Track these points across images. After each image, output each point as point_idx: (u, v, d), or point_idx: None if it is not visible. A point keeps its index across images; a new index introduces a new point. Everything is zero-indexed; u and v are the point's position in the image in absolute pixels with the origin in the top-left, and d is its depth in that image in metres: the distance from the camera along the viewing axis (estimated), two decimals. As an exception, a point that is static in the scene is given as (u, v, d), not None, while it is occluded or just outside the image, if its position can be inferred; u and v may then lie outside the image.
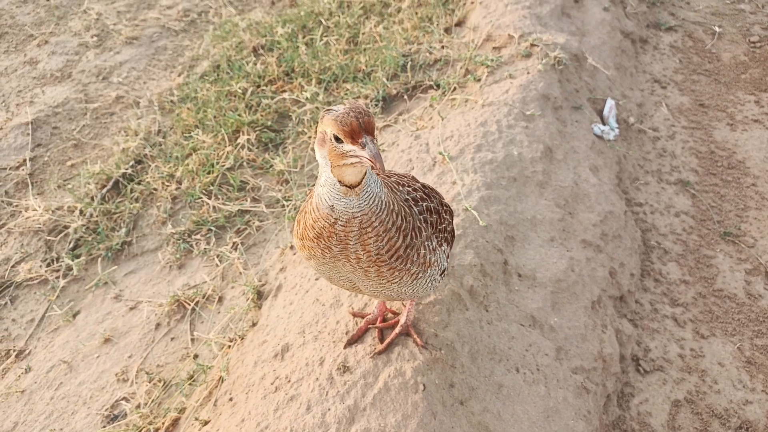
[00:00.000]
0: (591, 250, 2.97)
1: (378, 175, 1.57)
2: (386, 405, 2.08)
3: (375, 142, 1.52)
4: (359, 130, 1.50)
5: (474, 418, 2.18)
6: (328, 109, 1.58)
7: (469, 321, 2.42)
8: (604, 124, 3.88)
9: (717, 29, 4.99)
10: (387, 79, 4.16)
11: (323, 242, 1.74)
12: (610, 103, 3.98)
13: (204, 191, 3.79)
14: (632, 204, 3.59)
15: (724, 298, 3.11)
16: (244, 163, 3.95)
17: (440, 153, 3.17)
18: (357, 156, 1.51)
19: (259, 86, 4.55)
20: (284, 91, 4.47)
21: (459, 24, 4.63)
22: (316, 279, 2.77)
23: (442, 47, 4.32)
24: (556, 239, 2.92)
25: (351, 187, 1.62)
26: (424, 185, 2.06)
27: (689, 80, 4.55)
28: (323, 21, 5.05)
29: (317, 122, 4.07)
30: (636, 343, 2.89)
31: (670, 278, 3.21)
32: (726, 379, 2.78)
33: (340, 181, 1.61)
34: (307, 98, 4.25)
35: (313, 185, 1.93)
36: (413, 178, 2.08)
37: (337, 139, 1.53)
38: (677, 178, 3.77)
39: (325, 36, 4.79)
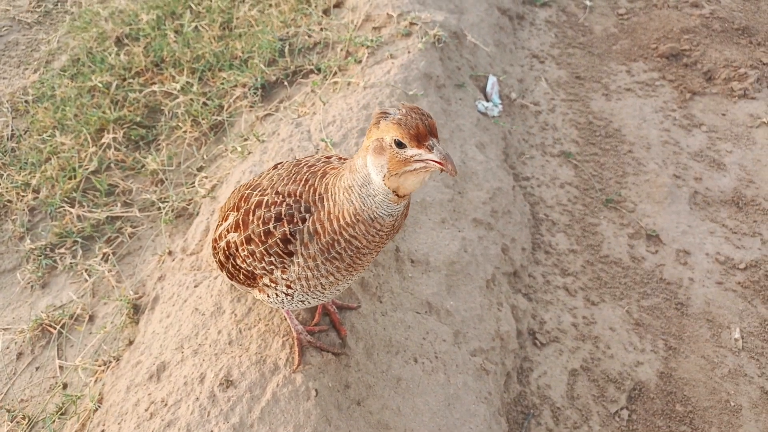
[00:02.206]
0: (482, 228, 2.94)
1: (450, 175, 1.41)
2: (276, 418, 1.91)
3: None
4: (425, 132, 1.40)
5: (372, 417, 2.06)
6: (383, 113, 1.45)
7: (361, 315, 2.29)
8: (487, 100, 3.88)
9: (588, 3, 5.17)
10: (265, 65, 3.92)
11: (354, 255, 1.62)
12: (492, 79, 3.99)
13: (66, 199, 3.39)
14: (520, 178, 3.62)
15: (610, 264, 3.21)
16: (112, 165, 3.57)
17: (322, 140, 3.00)
18: (423, 160, 1.40)
19: (125, 79, 4.14)
20: (154, 83, 4.11)
21: (338, 5, 4.45)
22: (195, 286, 2.53)
23: (322, 29, 4.13)
24: (447, 220, 2.86)
25: (403, 196, 1.51)
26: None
27: (565, 54, 4.68)
28: (193, 6, 4.69)
29: (195, 116, 3.79)
30: (531, 317, 2.91)
31: (560, 249, 3.26)
32: (618, 343, 2.86)
33: (394, 191, 1.49)
34: (179, 89, 3.92)
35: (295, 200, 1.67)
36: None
37: (399, 145, 1.41)
38: (560, 150, 3.85)
39: (196, 22, 4.44)
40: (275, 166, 1.89)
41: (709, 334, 2.91)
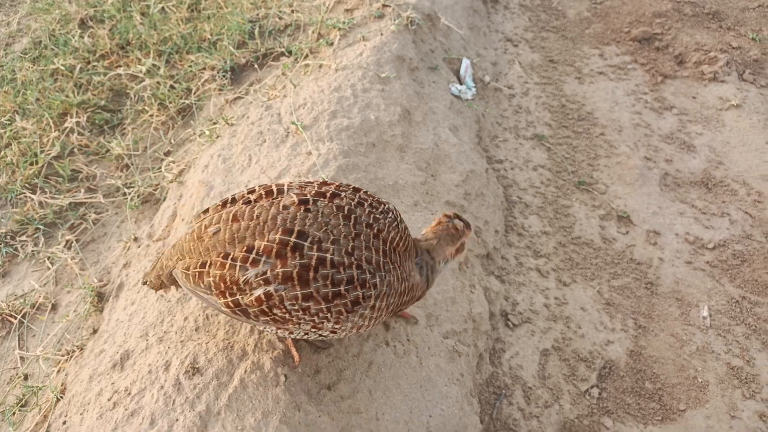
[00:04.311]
0: (455, 210, 2.92)
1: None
2: (243, 404, 1.88)
3: None
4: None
5: (343, 402, 2.04)
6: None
7: (332, 299, 2.26)
8: (461, 83, 3.85)
9: (561, -13, 5.16)
10: (234, 48, 3.83)
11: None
12: (465, 62, 3.96)
13: (27, 185, 3.28)
14: (493, 161, 3.60)
15: (582, 245, 3.22)
16: (75, 150, 3.47)
17: (293, 123, 2.94)
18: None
19: (89, 62, 4.02)
20: (119, 66, 3.99)
21: (309, -14, 4.37)
22: (162, 272, 2.47)
23: (293, 11, 4.05)
24: (420, 203, 2.84)
25: None
26: None
27: (539, 37, 4.66)
28: (161, -13, 4.55)
29: (162, 100, 3.69)
30: (504, 299, 2.91)
31: (532, 231, 3.26)
32: (588, 323, 2.88)
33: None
34: (145, 72, 3.82)
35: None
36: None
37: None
38: (533, 132, 3.85)
39: (163, 3, 4.32)
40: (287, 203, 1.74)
41: (678, 312, 2.94)
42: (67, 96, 3.68)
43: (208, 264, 1.71)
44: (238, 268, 1.66)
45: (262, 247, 1.64)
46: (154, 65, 3.88)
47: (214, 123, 3.37)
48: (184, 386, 1.91)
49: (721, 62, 4.33)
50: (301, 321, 1.71)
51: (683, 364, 2.75)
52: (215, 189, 2.72)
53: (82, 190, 3.26)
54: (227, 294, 1.70)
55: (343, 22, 3.70)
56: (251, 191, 1.81)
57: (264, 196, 1.77)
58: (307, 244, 1.64)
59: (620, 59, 4.44)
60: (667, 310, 2.95)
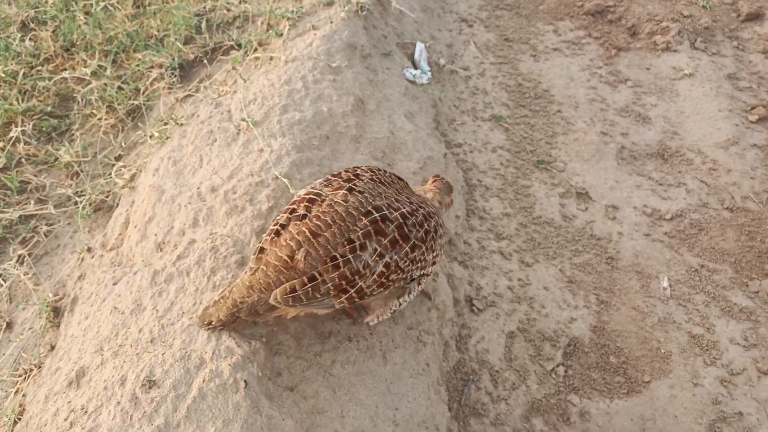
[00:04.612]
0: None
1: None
2: (203, 414, 1.85)
3: None
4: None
5: (306, 402, 2.02)
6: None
7: (290, 299, 2.23)
8: (415, 68, 3.81)
9: (513, -37, 5.12)
10: (182, 44, 3.72)
11: None
12: (419, 46, 3.92)
13: (-28, 200, 3.16)
14: (452, 145, 3.59)
15: (543, 224, 3.24)
16: (23, 160, 3.35)
17: (243, 120, 2.88)
18: None
19: (33, 67, 3.86)
20: (64, 69, 3.85)
21: (257, -25, 4.26)
22: (114, 284, 2.41)
23: (241, 2, 3.95)
24: (377, 194, 2.81)
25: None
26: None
27: (493, 16, 4.64)
28: (103, -17, 4.39)
29: (110, 102, 3.57)
30: (468, 284, 2.91)
31: (494, 213, 3.27)
32: (552, 302, 2.90)
33: None
34: (91, 74, 3.69)
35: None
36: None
37: None
38: (491, 114, 3.84)
39: (107, 1, 4.16)
40: (350, 189, 1.99)
41: (638, 285, 2.99)
42: (11, 104, 3.54)
43: (317, 276, 1.86)
44: (352, 260, 1.86)
45: (360, 234, 1.87)
46: (100, 66, 3.76)
47: (165, 123, 3.28)
48: (141, 400, 1.87)
49: (673, 32, 4.36)
50: (413, 271, 2.02)
51: (646, 336, 2.80)
52: (167, 193, 2.66)
53: (32, 202, 3.15)
54: (349, 287, 1.88)
55: (292, 12, 3.62)
56: (293, 210, 1.97)
57: (311, 205, 1.95)
58: (386, 212, 1.92)
59: (574, 34, 4.44)
60: (628, 283, 2.99)
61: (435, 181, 2.40)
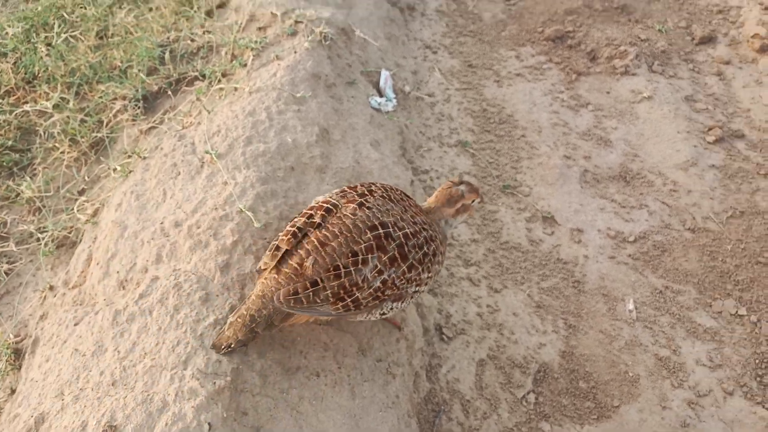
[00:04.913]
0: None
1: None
2: (165, 460, 1.79)
3: None
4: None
5: (273, 442, 1.98)
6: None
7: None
8: (381, 96, 3.84)
9: (476, -9, 5.23)
10: (146, 75, 3.69)
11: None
12: (384, 74, 3.96)
13: (-73, 239, 3.06)
14: (419, 172, 3.61)
15: (510, 249, 3.27)
16: (-19, 196, 3.27)
17: (207, 152, 2.86)
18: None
19: (-8, 100, 3.79)
20: (26, 102, 3.78)
21: (221, 5, 4.26)
22: (75, 324, 2.35)
23: (205, 32, 3.94)
24: (343, 225, 2.80)
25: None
26: None
27: (457, 43, 4.72)
28: (66, 15, 4.35)
29: (72, 135, 3.51)
30: (438, 312, 2.91)
31: (462, 239, 3.29)
32: (521, 328, 2.92)
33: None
34: (53, 107, 3.63)
35: None
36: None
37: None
38: (457, 139, 3.88)
39: (69, 32, 4.12)
40: (361, 204, 2.10)
41: (605, 308, 3.02)
42: (-32, 138, 3.47)
43: (319, 282, 1.98)
44: (353, 272, 1.98)
45: (363, 248, 1.99)
46: (62, 98, 3.70)
47: (129, 156, 3.24)
48: (101, 449, 1.81)
49: (631, 55, 4.49)
50: (407, 289, 2.12)
51: (614, 360, 2.82)
52: (129, 228, 2.61)
53: (-10, 240, 3.07)
54: (346, 297, 1.99)
55: (256, 42, 3.63)
56: (310, 216, 2.09)
57: (327, 215, 2.08)
58: (391, 230, 2.03)
59: (536, 60, 4.54)
60: (595, 306, 3.03)
61: (442, 189, 2.39)
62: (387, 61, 4.18)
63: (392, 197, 2.17)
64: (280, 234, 2.12)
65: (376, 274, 2.01)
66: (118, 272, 2.48)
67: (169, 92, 3.61)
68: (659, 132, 3.98)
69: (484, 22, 4.95)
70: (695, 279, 3.16)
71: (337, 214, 2.06)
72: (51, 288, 2.80)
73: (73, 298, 2.60)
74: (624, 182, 3.67)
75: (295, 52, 3.51)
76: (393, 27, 4.58)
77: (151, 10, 4.34)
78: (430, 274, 2.19)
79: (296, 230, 2.06)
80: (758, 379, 2.78)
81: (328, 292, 1.98)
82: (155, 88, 3.66)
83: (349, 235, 2.00)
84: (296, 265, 2.01)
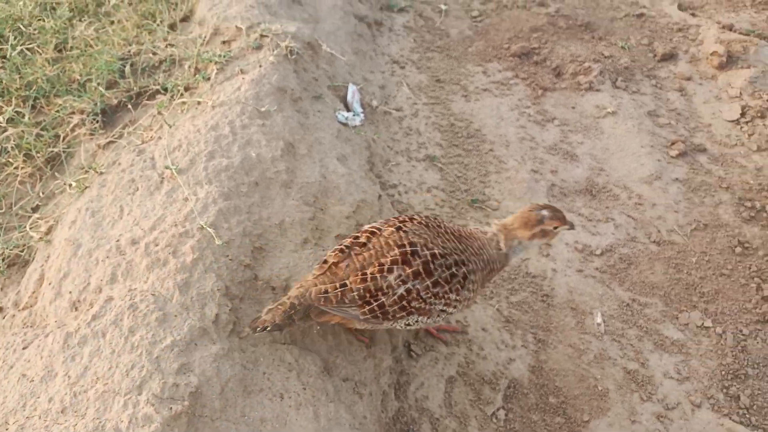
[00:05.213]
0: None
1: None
2: (116, 492, 1.69)
3: None
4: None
5: (233, 469, 1.89)
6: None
7: (217, 356, 2.11)
8: (348, 110, 3.81)
9: (443, 7, 5.27)
10: (105, 88, 3.59)
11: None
12: (352, 88, 3.93)
13: None
14: (387, 186, 3.58)
15: (479, 264, 3.24)
16: (-73, 214, 3.10)
17: (167, 167, 2.77)
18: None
19: (-58, 114, 3.63)
20: (-22, 116, 3.63)
21: (185, 19, 4.19)
22: (24, 348, 2.22)
23: (167, 46, 3.86)
24: (309, 240, 2.74)
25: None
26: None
27: (425, 58, 4.73)
28: (23, 27, 4.22)
29: (27, 150, 3.37)
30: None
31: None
32: (490, 343, 2.88)
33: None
34: (7, 121, 3.49)
35: None
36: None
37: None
38: (425, 154, 3.86)
39: (27, 44, 3.99)
40: (399, 228, 2.31)
41: (574, 322, 3.01)
42: None
43: (347, 283, 2.18)
44: (378, 278, 2.18)
45: (390, 260, 2.19)
46: (17, 112, 3.56)
47: (85, 172, 3.12)
48: (46, 482, 1.70)
49: (595, 72, 4.56)
50: (434, 305, 2.26)
51: (583, 374, 2.80)
52: (83, 247, 2.50)
53: (-66, 260, 2.91)
54: (371, 301, 2.18)
55: (220, 56, 3.57)
56: (357, 237, 2.32)
57: (371, 236, 2.29)
58: (419, 249, 2.22)
59: (502, 75, 4.57)
60: (564, 320, 3.01)
61: (520, 212, 2.44)
62: (354, 76, 4.16)
63: (429, 225, 2.35)
64: (329, 251, 2.36)
65: (400, 282, 2.19)
66: (70, 293, 2.36)
67: (130, 106, 3.52)
68: (624, 146, 4.03)
69: (452, 38, 4.98)
70: (661, 291, 3.17)
71: (378, 236, 2.29)
72: (0, 309, 2.66)
73: (23, 319, 2.47)
74: (590, 196, 3.70)
75: (260, 66, 3.45)
76: (361, 42, 4.56)
77: (112, 23, 4.25)
78: (458, 297, 2.30)
79: (344, 247, 2.29)
80: (724, 390, 2.79)
81: (355, 294, 2.17)
82: (115, 101, 3.55)
83: (380, 250, 2.23)
84: (334, 267, 2.26)
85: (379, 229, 2.32)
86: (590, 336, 2.96)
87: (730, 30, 5.01)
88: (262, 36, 3.69)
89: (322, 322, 2.31)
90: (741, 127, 4.26)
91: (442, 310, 2.31)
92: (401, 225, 2.31)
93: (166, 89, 3.51)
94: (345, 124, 3.64)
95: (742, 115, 4.33)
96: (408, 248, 2.22)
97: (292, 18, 4.11)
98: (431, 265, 2.21)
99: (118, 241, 2.43)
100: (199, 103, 3.29)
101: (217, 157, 2.81)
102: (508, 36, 4.93)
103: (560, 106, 4.36)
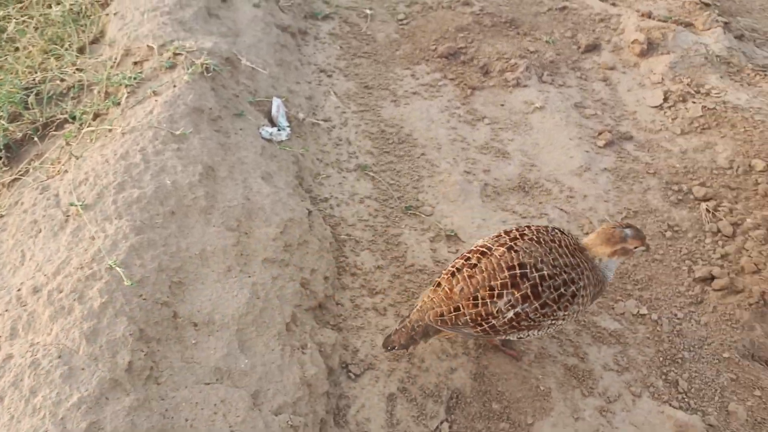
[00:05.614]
0: (276, 267, 2.75)
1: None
2: None
3: None
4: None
5: None
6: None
7: (131, 408, 1.97)
8: (273, 125, 3.69)
9: (368, 11, 5.20)
10: (8, 122, 3.37)
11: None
12: (276, 102, 3.82)
13: None
14: (318, 200, 3.48)
15: (416, 273, 3.18)
16: None
17: (72, 204, 2.60)
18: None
19: None
20: None
21: (95, 41, 3.99)
22: None
23: (76, 71, 3.66)
24: (233, 268, 2.62)
25: None
26: None
27: (352, 65, 4.65)
28: None
29: None
30: (343, 348, 2.77)
31: (366, 268, 3.17)
32: (431, 354, 2.82)
33: None
34: None
35: None
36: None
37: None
38: (356, 163, 3.78)
39: None
40: (508, 245, 2.40)
41: (513, 324, 2.98)
42: None
43: (460, 308, 2.38)
44: (489, 303, 2.34)
45: (499, 284, 2.32)
46: None
47: (-11, 214, 2.91)
48: None
49: (522, 68, 4.57)
50: (542, 322, 2.39)
51: (524, 376, 2.78)
52: (-17, 299, 2.31)
53: None
54: (483, 323, 2.37)
55: (131, 78, 3.39)
56: (467, 258, 2.45)
57: (482, 257, 2.41)
58: (528, 270, 2.31)
59: (431, 77, 4.54)
60: (503, 323, 2.98)
61: (601, 230, 2.51)
62: (279, 89, 4.04)
63: (542, 240, 2.39)
64: (443, 272, 2.51)
65: (510, 307, 2.32)
66: (-30, 351, 2.17)
67: (36, 139, 3.31)
68: (553, 140, 4.05)
69: (378, 43, 4.92)
70: (597, 284, 3.19)
71: (489, 256, 2.38)
72: None
73: None
74: (523, 192, 3.69)
75: (175, 86, 3.30)
76: (285, 52, 4.45)
77: (17, 50, 4.00)
78: (566, 313, 2.40)
79: (455, 270, 2.44)
80: (663, 377, 2.82)
81: (467, 317, 2.36)
82: (20, 135, 3.34)
83: (492, 272, 2.34)
84: (448, 290, 2.42)
85: (490, 248, 2.41)
86: (530, 336, 2.93)
87: (649, 17, 5.12)
88: (175, 54, 3.54)
89: (441, 337, 2.65)
90: (664, 112, 4.35)
91: (551, 324, 2.43)
92: (513, 244, 2.38)
93: (74, 118, 3.32)
94: (270, 140, 3.52)
95: (665, 100, 4.42)
96: (518, 270, 2.31)
97: (209, 33, 3.96)
98: (539, 288, 2.30)
99: (19, 290, 2.26)
100: (109, 130, 3.12)
101: (127, 188, 2.65)
102: (434, 37, 4.90)
103: (489, 104, 4.35)
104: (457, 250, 3.31)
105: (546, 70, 4.64)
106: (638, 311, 3.09)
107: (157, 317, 2.27)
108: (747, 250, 3.38)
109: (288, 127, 3.73)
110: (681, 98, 4.38)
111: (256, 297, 2.54)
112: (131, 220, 2.51)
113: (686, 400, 2.75)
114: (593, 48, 4.95)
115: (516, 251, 2.35)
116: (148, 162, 2.80)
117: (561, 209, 3.59)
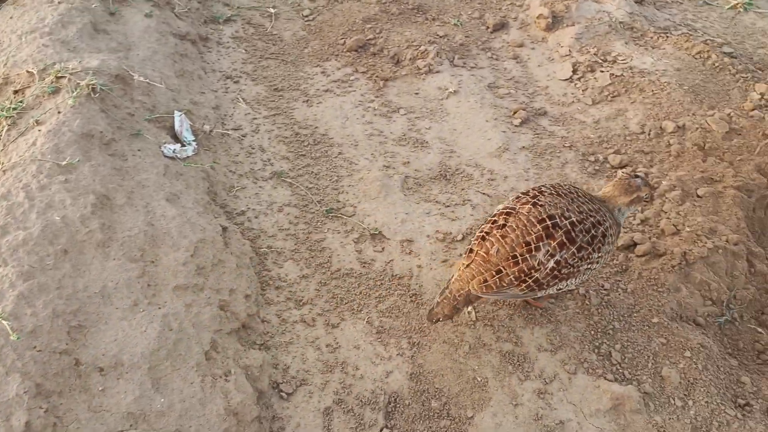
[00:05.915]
0: (189, 293, 2.59)
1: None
2: None
3: None
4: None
5: None
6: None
7: (30, 475, 1.79)
8: (177, 141, 3.50)
9: (272, 10, 5.02)
10: None
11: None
12: (178, 116, 3.62)
13: None
14: (234, 215, 3.32)
15: (343, 277, 3.09)
16: None
17: (-52, 257, 2.36)
18: None
19: None
20: None
21: (-29, 71, 3.67)
22: None
23: (-50, 106, 3.35)
24: (140, 302, 2.45)
25: None
26: None
27: (259, 68, 4.48)
28: None
29: None
30: (273, 367, 2.65)
31: (290, 279, 3.05)
32: (365, 360, 2.74)
33: None
34: None
35: None
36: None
37: None
38: (271, 171, 3.64)
39: None
40: (531, 202, 2.53)
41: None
42: None
43: (502, 269, 2.47)
44: (529, 258, 2.44)
45: (534, 238, 2.43)
46: None
47: None
48: None
49: (432, 53, 4.52)
50: (580, 266, 2.51)
51: (461, 368, 2.73)
52: None
53: None
54: (527, 279, 2.46)
55: (11, 108, 3.13)
56: (494, 221, 2.56)
57: (508, 217, 2.52)
58: (557, 220, 2.44)
59: (342, 72, 4.43)
60: (435, 318, 2.93)
61: (619, 179, 2.67)
62: (181, 101, 3.83)
63: (560, 192, 2.54)
64: (473, 239, 2.62)
65: (549, 257, 2.43)
66: None
67: None
68: (470, 124, 4.02)
69: (285, 42, 4.76)
70: (525, 264, 3.17)
71: (516, 215, 2.49)
72: None
73: None
74: (445, 181, 3.65)
75: (59, 113, 3.06)
76: (185, 62, 4.23)
77: None
78: (600, 255, 2.55)
79: (484, 234, 2.54)
80: (596, 350, 2.83)
81: (511, 276, 2.45)
82: None
83: (524, 228, 2.44)
84: (484, 254, 2.50)
85: (514, 209, 2.52)
86: (464, 327, 2.89)
87: (552, -9, 5.16)
88: (58, 77, 3.29)
89: (481, 302, 2.79)
90: (575, 84, 4.40)
91: (587, 268, 2.55)
92: (535, 200, 2.50)
93: (-49, 159, 3.03)
94: (174, 158, 3.33)
95: (574, 72, 4.47)
96: (548, 222, 2.43)
97: (96, 50, 3.71)
98: (572, 233, 2.43)
99: None
100: (-9, 168, 2.86)
101: (11, 231, 2.43)
102: (342, 31, 4.78)
103: (404, 94, 4.28)
104: (383, 249, 3.24)
105: (457, 53, 4.60)
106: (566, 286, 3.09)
107: (56, 368, 2.08)
108: (665, 212, 3.44)
109: (194, 141, 3.55)
110: (589, 68, 4.44)
111: (168, 329, 2.38)
112: (18, 266, 2.30)
113: (620, 370, 2.77)
114: (501, 27, 4.96)
115: (541, 205, 2.48)
116: (33, 199, 2.58)
117: (483, 193, 3.56)
